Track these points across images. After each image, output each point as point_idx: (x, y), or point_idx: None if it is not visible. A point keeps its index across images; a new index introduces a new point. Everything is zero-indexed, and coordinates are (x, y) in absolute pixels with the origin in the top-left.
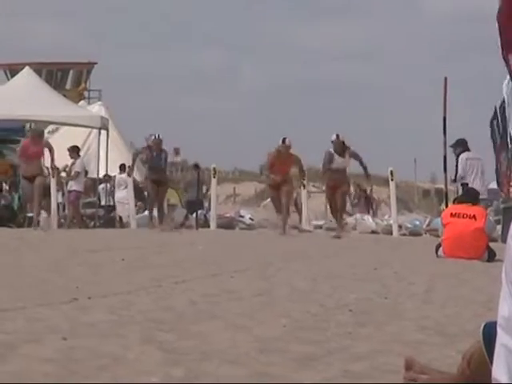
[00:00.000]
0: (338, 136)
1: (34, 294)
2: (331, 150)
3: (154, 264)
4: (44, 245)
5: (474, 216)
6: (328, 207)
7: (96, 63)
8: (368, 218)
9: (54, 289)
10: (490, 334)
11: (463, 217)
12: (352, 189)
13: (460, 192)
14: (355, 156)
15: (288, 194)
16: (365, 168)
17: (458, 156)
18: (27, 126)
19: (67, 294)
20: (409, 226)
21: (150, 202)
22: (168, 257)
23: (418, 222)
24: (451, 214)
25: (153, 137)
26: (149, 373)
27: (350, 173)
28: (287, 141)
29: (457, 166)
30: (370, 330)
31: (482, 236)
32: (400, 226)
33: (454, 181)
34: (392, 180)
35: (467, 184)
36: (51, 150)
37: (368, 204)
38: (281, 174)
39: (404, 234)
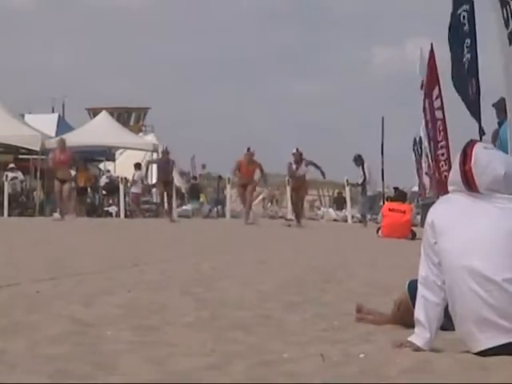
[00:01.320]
0: (297, 149)
1: (110, 261)
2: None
3: (190, 241)
4: (117, 228)
5: (405, 211)
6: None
7: (150, 108)
8: (331, 211)
9: (123, 257)
10: (413, 288)
11: (397, 211)
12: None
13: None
14: (312, 164)
15: (251, 192)
16: (322, 172)
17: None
18: (108, 150)
19: (131, 261)
20: (358, 216)
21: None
22: (198, 236)
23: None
24: (389, 209)
25: (162, 148)
26: (186, 315)
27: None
28: (251, 149)
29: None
30: (333, 285)
31: (408, 224)
32: (352, 216)
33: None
34: (348, 185)
35: (397, 188)
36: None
37: (341, 201)
38: (247, 177)
39: (355, 222)
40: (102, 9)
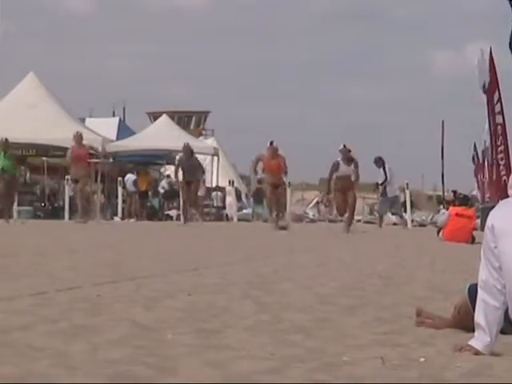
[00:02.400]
0: (344, 145)
1: (169, 264)
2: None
3: (249, 244)
4: (177, 232)
5: (470, 217)
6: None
7: (210, 112)
8: (390, 215)
9: (182, 260)
10: (473, 292)
11: (464, 217)
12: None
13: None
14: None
15: (282, 195)
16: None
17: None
18: (168, 154)
19: (191, 265)
20: (418, 219)
21: (183, 197)
22: (257, 239)
23: (424, 217)
24: (456, 213)
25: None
26: (246, 318)
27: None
28: (274, 144)
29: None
30: (393, 289)
31: (471, 230)
32: (412, 220)
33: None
34: (407, 189)
35: (455, 191)
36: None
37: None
38: (271, 171)
39: (415, 225)
40: (162, 13)
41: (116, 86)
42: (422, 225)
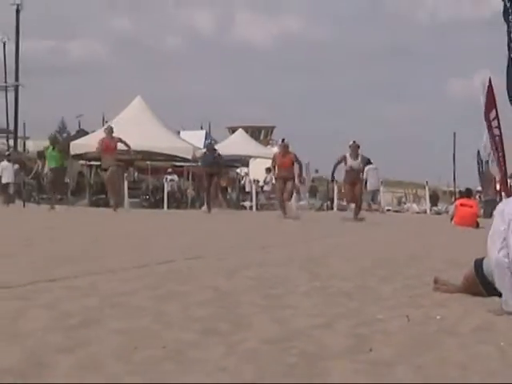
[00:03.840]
0: (354, 141)
1: (243, 243)
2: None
3: (305, 229)
4: (249, 219)
5: (472, 206)
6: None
7: (275, 126)
8: (414, 205)
9: (253, 241)
10: (478, 264)
11: (467, 206)
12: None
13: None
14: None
15: (291, 188)
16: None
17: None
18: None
19: (260, 244)
20: (435, 209)
21: (204, 189)
22: (310, 225)
23: (440, 208)
24: (460, 204)
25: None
26: (302, 285)
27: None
28: (285, 141)
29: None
30: (416, 263)
31: (475, 216)
32: (431, 209)
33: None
34: (427, 185)
35: (469, 188)
36: (122, 141)
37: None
38: (283, 167)
39: (433, 214)
40: (242, 48)
41: (203, 106)
42: (438, 213)
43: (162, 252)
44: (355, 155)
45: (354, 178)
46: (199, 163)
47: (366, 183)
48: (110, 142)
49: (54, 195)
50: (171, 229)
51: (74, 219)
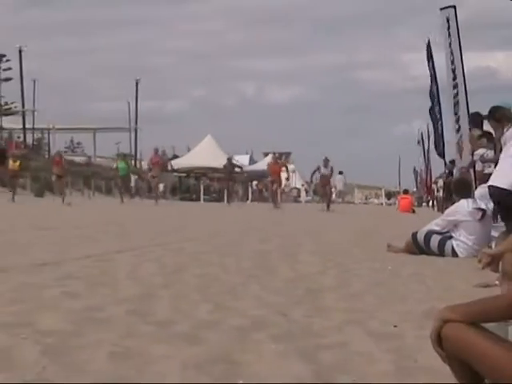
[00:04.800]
0: (325, 157)
1: (264, 222)
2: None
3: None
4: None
5: (408, 198)
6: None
7: (291, 152)
8: (375, 200)
9: (267, 221)
10: (414, 235)
11: (405, 199)
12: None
13: None
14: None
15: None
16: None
17: None
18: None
19: (275, 223)
20: (388, 202)
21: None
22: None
23: (391, 201)
24: (402, 197)
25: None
26: (308, 247)
27: None
28: (276, 154)
29: None
30: (376, 235)
31: (411, 204)
32: (385, 203)
33: None
34: (383, 188)
35: (407, 189)
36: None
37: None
38: (273, 174)
39: (387, 205)
40: (269, 106)
41: (249, 139)
42: (389, 204)
43: (225, 227)
44: (325, 165)
45: (326, 181)
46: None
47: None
48: (156, 158)
49: (123, 194)
50: (230, 213)
51: (172, 208)
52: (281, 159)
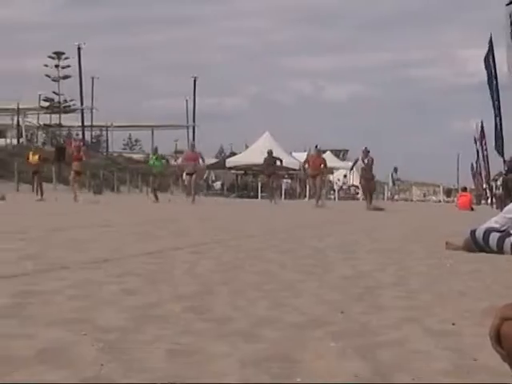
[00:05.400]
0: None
1: (322, 219)
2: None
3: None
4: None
5: (467, 196)
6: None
7: (348, 149)
8: (433, 197)
9: (326, 218)
10: (471, 232)
11: (463, 196)
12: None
13: None
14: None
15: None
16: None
17: None
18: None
19: (333, 221)
20: (447, 199)
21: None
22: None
23: (452, 198)
24: (461, 195)
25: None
26: (366, 245)
27: None
28: (318, 147)
29: None
30: (434, 231)
31: (470, 202)
32: (444, 200)
33: None
34: (441, 185)
35: (465, 187)
36: (202, 157)
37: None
38: (314, 168)
39: (445, 202)
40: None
41: (307, 137)
42: (447, 202)
43: (281, 224)
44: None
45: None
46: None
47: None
48: (192, 155)
49: (156, 191)
50: (285, 211)
51: (231, 206)
52: (320, 152)
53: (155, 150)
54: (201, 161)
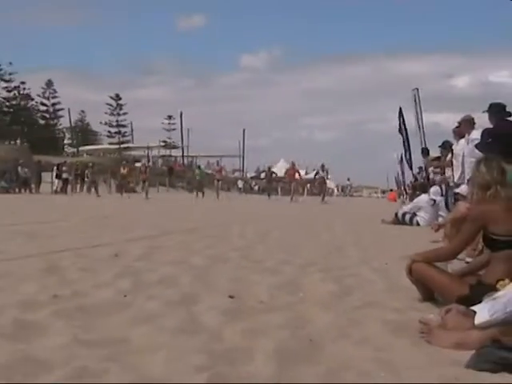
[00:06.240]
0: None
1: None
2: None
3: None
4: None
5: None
6: None
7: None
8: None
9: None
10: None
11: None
12: None
13: None
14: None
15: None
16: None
17: None
18: None
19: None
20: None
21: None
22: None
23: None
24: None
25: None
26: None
27: None
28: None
29: None
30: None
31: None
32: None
33: None
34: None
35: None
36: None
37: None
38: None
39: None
40: None
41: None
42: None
43: (295, 209)
44: (322, 169)
45: (322, 181)
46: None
47: None
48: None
49: (199, 192)
50: (280, 203)
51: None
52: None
53: (199, 166)
54: (223, 173)
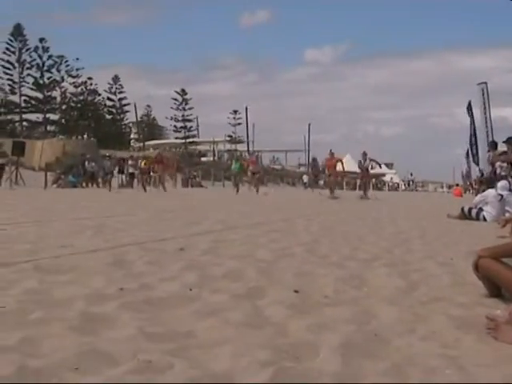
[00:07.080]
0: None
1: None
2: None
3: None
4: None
5: (457, 188)
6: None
7: (393, 163)
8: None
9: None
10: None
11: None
12: None
13: None
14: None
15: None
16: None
17: None
18: None
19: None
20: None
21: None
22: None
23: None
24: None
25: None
26: (387, 226)
27: None
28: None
29: None
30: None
31: (461, 192)
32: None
33: None
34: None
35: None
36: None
37: None
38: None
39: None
40: None
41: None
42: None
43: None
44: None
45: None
46: None
47: None
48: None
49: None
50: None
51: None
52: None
53: (237, 158)
54: (256, 165)
